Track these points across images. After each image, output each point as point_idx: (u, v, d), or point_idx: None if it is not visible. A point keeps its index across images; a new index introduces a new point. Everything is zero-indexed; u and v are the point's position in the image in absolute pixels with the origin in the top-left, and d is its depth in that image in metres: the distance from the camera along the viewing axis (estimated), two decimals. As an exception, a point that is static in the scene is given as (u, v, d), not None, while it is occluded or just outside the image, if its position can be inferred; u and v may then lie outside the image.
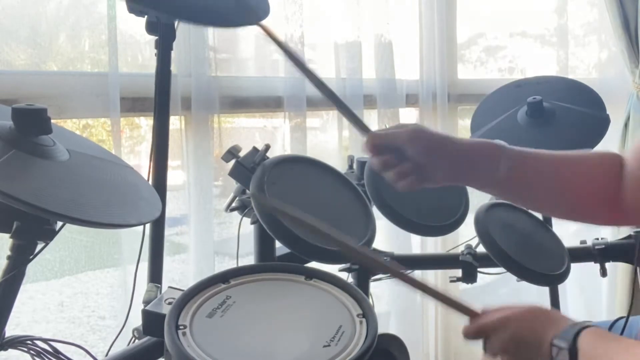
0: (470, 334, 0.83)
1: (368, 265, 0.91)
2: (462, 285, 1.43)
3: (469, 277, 1.34)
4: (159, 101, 1.25)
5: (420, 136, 0.93)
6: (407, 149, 0.92)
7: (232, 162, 1.04)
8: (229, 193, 1.12)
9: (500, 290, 2.44)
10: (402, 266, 0.85)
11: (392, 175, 0.94)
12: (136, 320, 0.94)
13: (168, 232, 1.32)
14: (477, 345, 0.84)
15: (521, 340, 0.77)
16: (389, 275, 0.91)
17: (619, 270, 2.27)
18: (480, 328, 0.82)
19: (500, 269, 1.25)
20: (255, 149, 1.06)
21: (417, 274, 2.15)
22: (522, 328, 0.78)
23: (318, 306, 0.81)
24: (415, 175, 0.94)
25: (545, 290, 1.76)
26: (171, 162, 1.30)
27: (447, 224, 1.27)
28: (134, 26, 1.48)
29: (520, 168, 0.97)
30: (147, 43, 1.29)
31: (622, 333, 0.97)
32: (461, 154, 0.95)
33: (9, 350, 0.85)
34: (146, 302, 0.88)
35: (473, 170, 0.96)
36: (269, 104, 1.77)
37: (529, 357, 0.77)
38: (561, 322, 0.77)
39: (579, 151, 1.06)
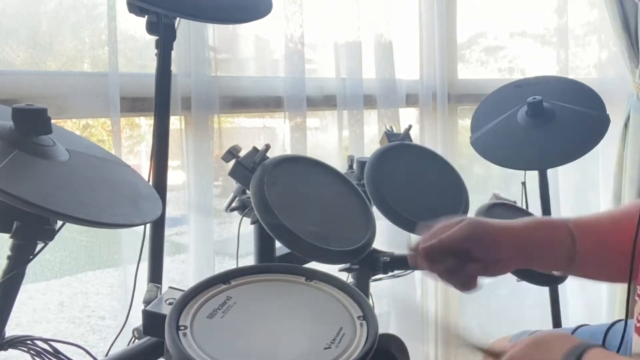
0: None
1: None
2: (462, 286, 1.43)
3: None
4: (159, 101, 1.25)
5: (479, 233, 0.86)
6: (468, 251, 0.85)
7: (232, 162, 1.04)
8: (229, 193, 1.12)
9: (500, 290, 2.44)
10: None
11: (459, 280, 0.87)
12: (136, 320, 0.94)
13: (168, 232, 1.32)
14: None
15: None
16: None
17: (619, 270, 2.27)
18: None
19: (501, 269, 1.24)
20: (255, 149, 1.06)
21: (417, 274, 2.15)
22: None
23: (318, 308, 0.81)
24: (481, 271, 0.87)
25: (545, 290, 1.76)
26: (171, 162, 1.30)
27: (447, 224, 1.27)
28: (134, 26, 1.48)
29: (584, 240, 0.90)
30: (147, 43, 1.29)
31: (622, 337, 0.96)
32: (525, 240, 0.88)
33: (9, 350, 0.85)
34: (146, 302, 0.88)
35: (542, 253, 0.90)
36: (269, 104, 1.77)
37: None
38: (564, 345, 0.73)
39: (626, 206, 0.97)
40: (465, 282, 0.87)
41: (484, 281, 0.89)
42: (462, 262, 0.85)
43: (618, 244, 0.89)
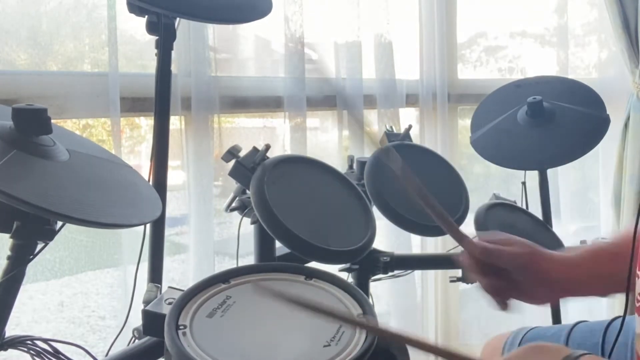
0: None
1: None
2: (462, 285, 1.43)
3: (469, 277, 1.34)
4: (159, 101, 1.25)
5: (533, 262, 0.84)
6: (515, 273, 0.84)
7: (232, 162, 1.04)
8: (229, 193, 1.12)
9: (500, 290, 2.43)
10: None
11: (500, 298, 0.86)
12: (136, 320, 0.94)
13: (168, 232, 1.32)
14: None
15: None
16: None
17: (619, 270, 2.27)
18: None
19: (500, 269, 1.24)
20: (255, 149, 1.06)
21: (417, 274, 2.15)
22: None
23: (318, 306, 0.81)
24: (517, 294, 0.87)
25: (545, 290, 1.76)
26: (171, 162, 1.30)
27: (447, 224, 1.27)
28: (134, 26, 1.48)
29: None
30: (147, 43, 1.29)
31: (618, 334, 0.95)
32: (576, 275, 0.87)
33: (9, 350, 0.85)
34: (146, 302, 0.88)
35: (582, 289, 0.90)
36: (269, 104, 1.77)
37: None
38: (559, 353, 0.73)
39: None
40: (503, 302, 0.87)
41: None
42: (506, 281, 0.84)
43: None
